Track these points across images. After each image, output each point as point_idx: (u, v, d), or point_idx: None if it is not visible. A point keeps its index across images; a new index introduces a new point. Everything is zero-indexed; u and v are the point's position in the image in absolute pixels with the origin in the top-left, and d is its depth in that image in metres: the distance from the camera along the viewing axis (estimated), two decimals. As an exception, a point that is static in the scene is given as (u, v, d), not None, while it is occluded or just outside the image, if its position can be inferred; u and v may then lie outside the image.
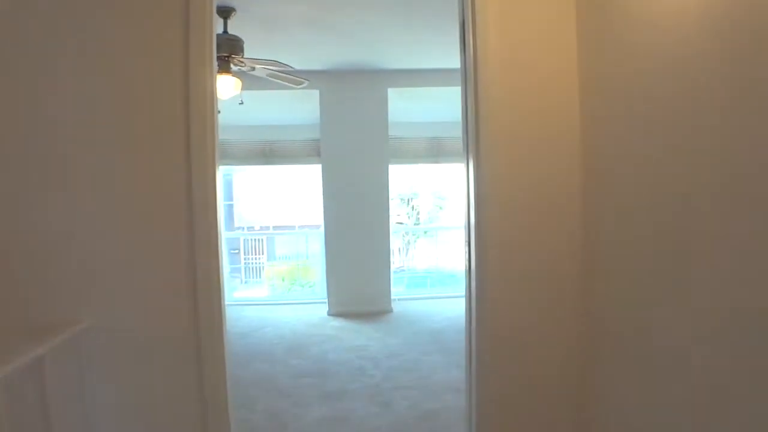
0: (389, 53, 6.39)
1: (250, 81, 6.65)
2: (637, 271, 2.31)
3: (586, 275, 2.72)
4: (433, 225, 14.52)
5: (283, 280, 15.01)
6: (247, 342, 6.09)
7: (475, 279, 2.69)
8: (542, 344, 2.80)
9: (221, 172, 2.72)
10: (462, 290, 7.67)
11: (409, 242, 14.31)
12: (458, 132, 7.15)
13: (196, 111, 2.54)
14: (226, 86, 4.71)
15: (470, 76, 2.66)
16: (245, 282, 16.74)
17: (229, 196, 16.90)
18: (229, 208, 16.61)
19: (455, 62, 5.78)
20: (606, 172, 2.54)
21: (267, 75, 5.07)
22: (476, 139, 2.63)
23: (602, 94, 2.54)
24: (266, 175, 14.85)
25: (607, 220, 2.54)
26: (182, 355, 2.74)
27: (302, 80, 5.17)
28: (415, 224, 15.56)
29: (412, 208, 15.72)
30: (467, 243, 2.76)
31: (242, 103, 4.84)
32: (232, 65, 4.73)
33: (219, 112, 4.91)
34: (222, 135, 6.89)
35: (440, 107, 7.57)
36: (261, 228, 16.66)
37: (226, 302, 7.07)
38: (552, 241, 2.75)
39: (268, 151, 7.68)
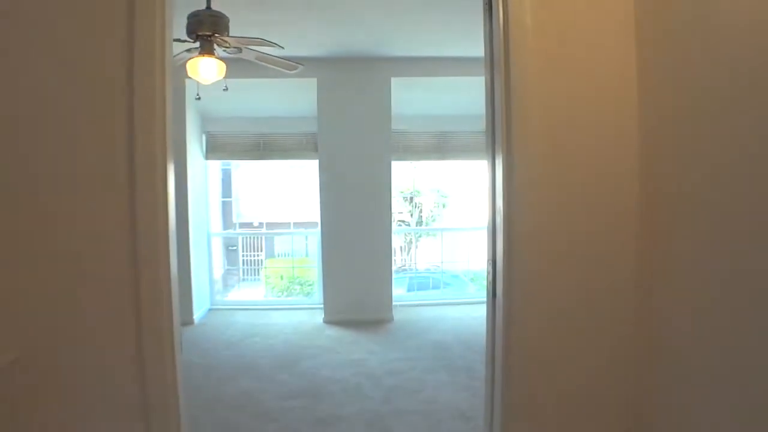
0: (394, 39, 5.79)
1: (239, 67, 6.02)
2: (712, 285, 1.74)
3: (647, 299, 2.09)
4: (438, 226, 13.95)
5: (281, 278, 14.47)
6: (234, 353, 5.49)
7: (503, 307, 2.06)
8: (590, 397, 2.15)
9: (168, 167, 2.06)
10: (467, 296, 7.07)
11: (411, 241, 13.76)
12: (466, 126, 6.55)
13: (141, 88, 1.91)
14: (209, 69, 4.11)
15: (499, 47, 2.04)
16: (243, 280, 16.25)
17: (227, 193, 16.40)
18: (227, 205, 16.12)
19: (465, 50, 5.18)
20: (671, 161, 1.93)
21: (256, 59, 4.46)
22: (506, 127, 2.02)
23: (668, 69, 1.93)
24: (265, 171, 14.34)
25: (672, 226, 1.93)
26: (124, 403, 2.11)
27: (296, 65, 4.57)
28: (417, 223, 14.98)
29: (415, 205, 15.13)
30: (491, 261, 2.14)
31: (226, 89, 4.24)
32: (215, 45, 4.13)
33: (198, 98, 4.31)
34: (211, 127, 6.31)
35: (447, 99, 6.98)
36: (259, 224, 16.14)
37: (217, 306, 6.45)
38: (602, 253, 2.11)
39: (262, 145, 7.06)
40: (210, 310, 7.10)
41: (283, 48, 4.01)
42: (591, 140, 2.10)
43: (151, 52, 1.92)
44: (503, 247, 2.00)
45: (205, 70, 4.08)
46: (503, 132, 2.03)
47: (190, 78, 6.23)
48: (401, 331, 6.28)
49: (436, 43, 5.79)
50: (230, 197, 16.20)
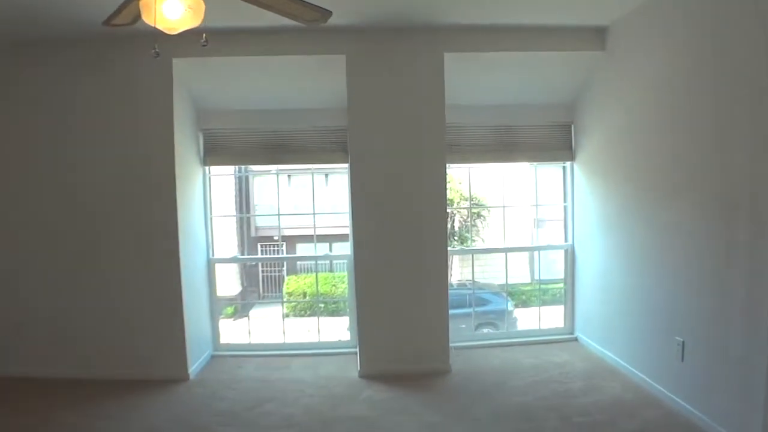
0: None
1: (241, 42, 4.35)
2: None
3: None
4: (494, 246, 12.18)
5: (305, 295, 12.80)
6: (236, 434, 3.74)
7: None
8: None
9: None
10: (538, 333, 5.18)
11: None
12: (531, 119, 4.73)
13: None
14: (172, 9, 2.37)
15: None
16: (263, 298, 14.57)
17: (245, 206, 14.75)
18: (245, 221, 14.47)
19: (544, 15, 3.50)
20: None
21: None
22: None
23: None
24: (287, 177, 12.69)
25: None
26: None
27: (317, 11, 2.83)
28: (450, 236, 13.19)
29: (447, 216, 13.35)
30: None
31: (206, 44, 2.49)
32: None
33: (157, 54, 2.56)
34: (209, 124, 4.25)
35: (513, 84, 5.20)
36: (280, 238, 14.48)
37: (221, 351, 3.88)
38: None
39: (275, 146, 5.30)
40: (212, 357, 5.34)
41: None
42: None
43: None
44: None
45: (169, 8, 2.35)
46: None
47: (178, 57, 4.61)
48: (465, 389, 4.46)
49: (508, 4, 4.10)
50: (246, 208, 14.71)
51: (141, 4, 2.38)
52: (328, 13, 2.90)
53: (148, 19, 2.39)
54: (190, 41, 2.75)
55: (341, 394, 4.42)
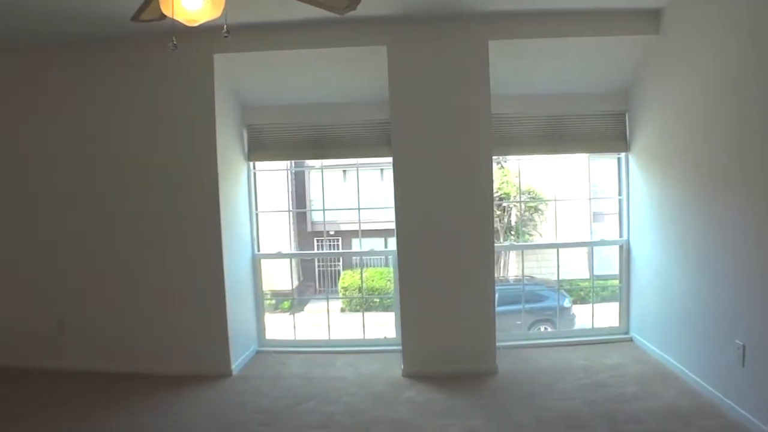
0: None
1: (279, 35, 4.28)
2: None
3: None
4: (547, 241, 11.86)
5: (360, 290, 12.81)
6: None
7: None
8: None
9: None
10: (590, 333, 4.58)
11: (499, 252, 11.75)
12: (588, 108, 3.99)
13: None
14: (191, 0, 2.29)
15: None
16: (320, 292, 14.66)
17: (301, 201, 14.85)
18: (300, 216, 14.58)
19: None
20: None
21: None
22: None
23: None
24: (342, 173, 12.71)
25: None
26: None
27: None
28: (506, 230, 12.90)
29: (504, 210, 13.06)
30: None
31: (228, 35, 2.39)
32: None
33: (175, 47, 2.49)
34: (254, 119, 3.92)
35: (564, 71, 4.94)
36: (334, 233, 14.53)
37: (266, 347, 4.60)
38: None
39: (321, 140, 5.22)
40: (257, 352, 5.32)
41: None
42: None
43: None
44: None
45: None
46: None
47: (220, 53, 4.57)
48: (510, 392, 4.25)
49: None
50: (302, 203, 14.81)
51: (160, -5, 2.32)
52: (356, 0, 2.77)
53: (166, 10, 2.32)
54: (231, 36, 2.68)
55: (383, 393, 4.30)
